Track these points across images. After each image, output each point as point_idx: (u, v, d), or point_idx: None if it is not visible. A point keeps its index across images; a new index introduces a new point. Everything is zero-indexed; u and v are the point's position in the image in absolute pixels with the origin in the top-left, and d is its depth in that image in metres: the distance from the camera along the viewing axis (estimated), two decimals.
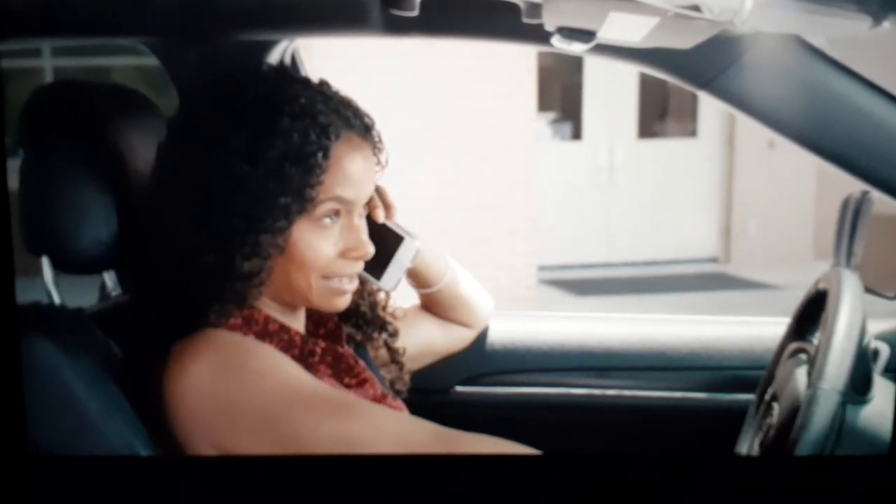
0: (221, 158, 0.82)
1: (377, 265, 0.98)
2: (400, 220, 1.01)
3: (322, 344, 0.91)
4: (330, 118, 0.85)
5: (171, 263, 0.84)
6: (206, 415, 0.80)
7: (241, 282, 0.84)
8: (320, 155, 0.83)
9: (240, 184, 0.82)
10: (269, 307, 0.89)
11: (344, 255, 0.88)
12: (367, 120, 0.90)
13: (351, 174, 0.86)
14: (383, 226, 0.98)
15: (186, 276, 0.83)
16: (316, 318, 0.97)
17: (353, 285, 0.91)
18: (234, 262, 0.83)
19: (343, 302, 0.90)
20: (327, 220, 0.86)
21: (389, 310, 1.04)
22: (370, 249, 0.89)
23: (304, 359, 0.89)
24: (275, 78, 0.89)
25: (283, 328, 0.89)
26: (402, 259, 1.01)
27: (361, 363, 0.94)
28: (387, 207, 0.98)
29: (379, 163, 0.92)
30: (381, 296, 1.03)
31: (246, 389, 0.80)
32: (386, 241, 0.98)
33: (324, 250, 0.86)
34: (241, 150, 0.82)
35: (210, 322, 0.84)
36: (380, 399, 0.93)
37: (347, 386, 0.92)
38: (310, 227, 0.85)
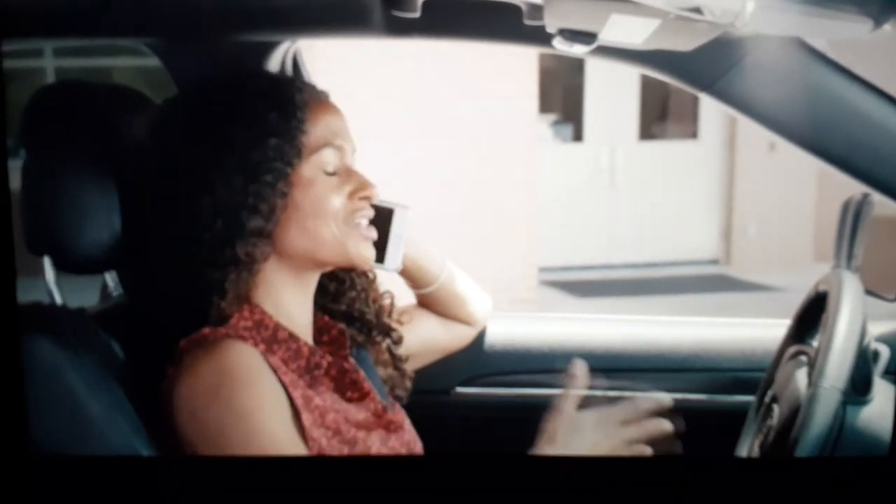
0: (210, 128, 0.86)
1: (376, 248, 0.97)
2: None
3: (329, 358, 0.92)
4: (291, 77, 0.95)
5: (179, 246, 0.85)
6: (199, 424, 0.81)
7: (252, 240, 0.85)
8: (297, 98, 0.89)
9: (232, 144, 0.86)
10: (278, 306, 0.89)
11: (352, 196, 0.91)
12: (323, 90, 0.95)
13: (333, 123, 0.92)
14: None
15: (196, 254, 0.85)
16: (320, 325, 0.97)
17: (373, 234, 0.94)
18: (241, 219, 0.85)
19: (369, 251, 0.93)
20: (329, 168, 0.90)
21: (395, 316, 1.04)
22: (374, 189, 0.92)
23: (310, 371, 0.89)
24: (241, 68, 1.03)
25: (293, 337, 0.89)
26: (398, 232, 1.00)
27: (363, 376, 0.95)
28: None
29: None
30: (387, 301, 1.04)
31: (226, 421, 0.81)
32: (377, 219, 0.97)
33: (332, 194, 0.90)
34: (224, 115, 0.87)
35: (223, 311, 0.85)
36: (380, 414, 0.93)
37: (349, 400, 0.92)
38: (312, 174, 0.89)
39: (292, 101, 0.88)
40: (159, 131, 0.91)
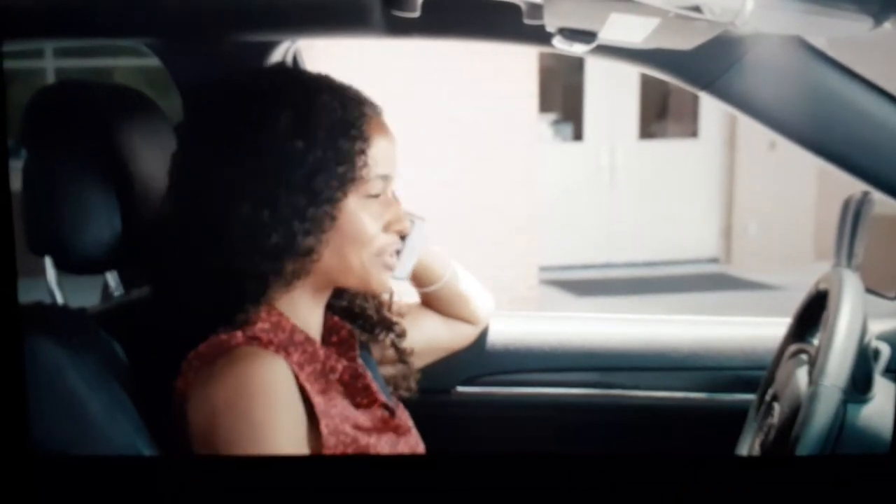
0: (273, 139, 0.85)
1: None
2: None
3: (343, 362, 0.93)
4: (355, 94, 0.91)
5: (218, 254, 0.84)
6: (215, 433, 0.81)
7: (300, 259, 0.86)
8: (362, 121, 0.88)
9: (297, 160, 0.85)
10: (293, 307, 0.90)
11: (387, 228, 0.92)
12: (377, 105, 0.94)
13: (386, 149, 0.91)
14: None
15: (241, 262, 0.84)
16: (329, 326, 0.98)
17: (395, 261, 0.94)
18: (296, 238, 0.85)
19: (389, 282, 0.94)
20: (375, 196, 0.90)
21: (395, 309, 1.05)
22: (407, 223, 0.93)
23: (325, 374, 0.90)
24: (294, 68, 0.99)
25: (308, 340, 0.90)
26: (413, 244, 1.01)
27: (375, 384, 0.95)
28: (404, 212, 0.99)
29: None
30: (386, 296, 1.04)
31: (240, 433, 0.81)
32: None
33: (371, 225, 0.90)
34: (292, 128, 0.85)
35: (250, 317, 0.85)
36: (387, 419, 0.94)
37: (358, 405, 0.92)
38: (359, 202, 0.89)
39: (360, 128, 0.88)
40: (213, 135, 0.88)
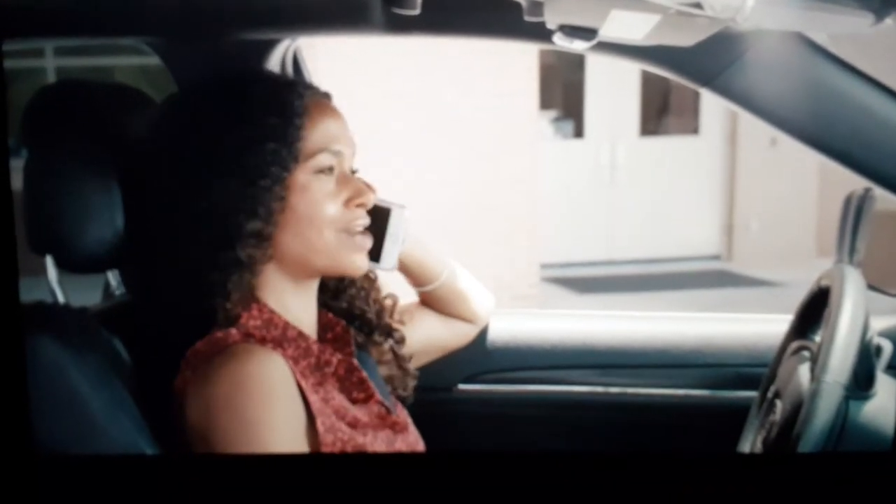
0: (207, 128, 0.87)
1: (372, 247, 0.97)
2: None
3: (338, 356, 0.92)
4: (292, 79, 0.94)
5: (174, 251, 0.86)
6: (212, 431, 0.81)
7: (252, 242, 0.86)
8: (297, 103, 0.88)
9: (228, 145, 0.86)
10: (284, 304, 0.90)
11: (347, 203, 0.90)
12: (325, 91, 0.95)
13: (332, 126, 0.91)
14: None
15: (191, 258, 0.85)
16: (324, 322, 0.98)
17: (367, 242, 0.93)
18: (240, 221, 0.85)
19: (363, 260, 0.92)
20: (326, 171, 0.89)
21: (396, 316, 1.04)
22: (370, 196, 0.92)
23: (320, 369, 0.90)
24: (243, 69, 1.02)
25: (301, 335, 0.90)
26: (395, 232, 1.00)
27: (371, 382, 0.95)
28: (367, 186, 0.98)
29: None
30: (388, 302, 1.04)
31: (236, 432, 0.81)
32: (374, 218, 0.96)
33: (328, 200, 0.89)
34: (223, 115, 0.87)
35: (227, 318, 0.85)
36: (384, 416, 0.94)
37: (354, 401, 0.92)
38: (308, 179, 0.88)
39: (291, 105, 0.88)
40: (159, 130, 0.91)
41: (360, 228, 0.92)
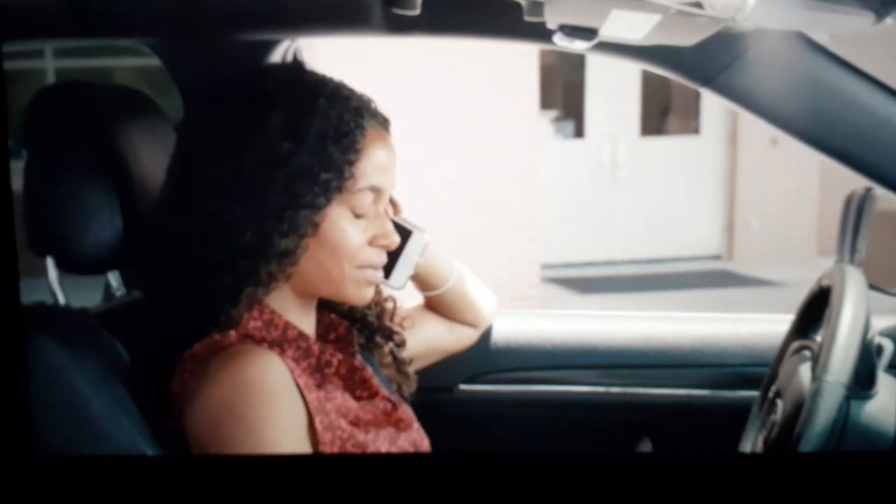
0: (261, 139, 0.84)
1: (385, 264, 0.97)
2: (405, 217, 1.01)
3: (339, 356, 0.92)
4: (360, 105, 0.89)
5: (198, 250, 0.84)
6: (211, 434, 0.81)
7: (276, 261, 0.85)
8: (357, 133, 0.86)
9: (281, 162, 0.84)
10: (285, 305, 0.89)
11: (372, 242, 0.90)
12: (385, 115, 0.93)
13: (381, 161, 0.89)
14: (391, 222, 0.98)
15: (217, 260, 0.84)
16: (327, 323, 0.97)
17: (379, 276, 0.93)
18: (272, 240, 0.84)
19: (370, 293, 0.92)
20: (362, 207, 0.88)
21: (397, 319, 1.04)
22: (396, 238, 0.91)
23: (320, 369, 0.89)
24: (300, 68, 0.95)
25: (302, 336, 0.89)
26: (410, 254, 1.00)
27: (374, 376, 0.95)
28: (393, 204, 0.99)
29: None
30: (389, 305, 1.04)
31: (236, 434, 0.80)
32: None
33: (355, 237, 0.88)
34: (281, 129, 0.84)
35: (228, 320, 0.85)
36: (389, 412, 0.93)
37: (359, 398, 0.92)
38: (344, 212, 0.87)
39: (353, 139, 0.86)
40: (201, 130, 0.89)
41: (379, 267, 0.92)
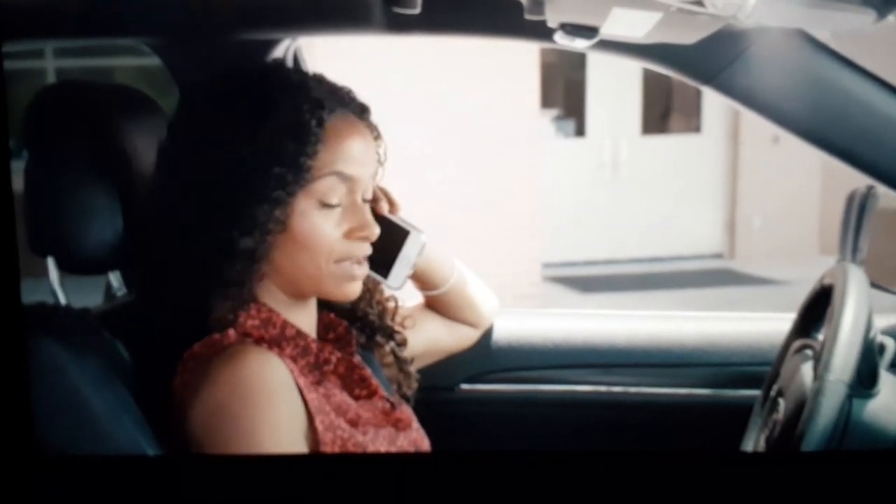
0: (218, 140, 0.84)
1: (383, 263, 0.97)
2: (404, 216, 1.01)
3: (338, 354, 0.92)
4: (323, 94, 0.87)
5: (174, 255, 0.85)
6: (211, 434, 0.81)
7: (240, 261, 0.83)
8: (314, 124, 0.84)
9: (237, 160, 0.83)
10: (280, 303, 0.89)
11: (349, 235, 0.88)
12: (361, 103, 0.91)
13: (349, 150, 0.87)
14: (388, 221, 0.97)
15: (188, 263, 0.84)
16: (326, 322, 0.97)
17: (364, 271, 0.91)
18: (233, 238, 0.82)
19: (354, 288, 0.90)
20: (331, 200, 0.86)
21: (398, 318, 1.04)
22: (375, 230, 0.89)
23: (319, 367, 0.89)
24: (269, 66, 0.97)
25: (300, 334, 0.89)
26: (408, 254, 1.00)
27: (373, 376, 0.94)
28: (390, 203, 0.98)
29: (378, 154, 0.92)
30: (391, 304, 1.03)
31: (235, 434, 0.80)
32: (391, 236, 0.96)
33: (328, 230, 0.86)
34: (237, 128, 0.83)
35: (225, 319, 0.85)
36: (388, 412, 0.93)
37: (357, 397, 0.92)
38: (312, 205, 0.85)
39: (309, 130, 0.83)
40: (169, 134, 0.89)
41: (361, 261, 0.89)
